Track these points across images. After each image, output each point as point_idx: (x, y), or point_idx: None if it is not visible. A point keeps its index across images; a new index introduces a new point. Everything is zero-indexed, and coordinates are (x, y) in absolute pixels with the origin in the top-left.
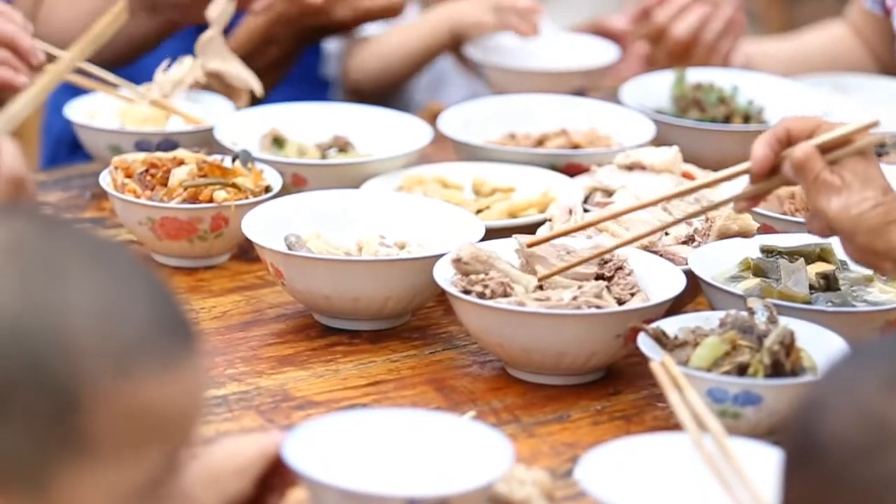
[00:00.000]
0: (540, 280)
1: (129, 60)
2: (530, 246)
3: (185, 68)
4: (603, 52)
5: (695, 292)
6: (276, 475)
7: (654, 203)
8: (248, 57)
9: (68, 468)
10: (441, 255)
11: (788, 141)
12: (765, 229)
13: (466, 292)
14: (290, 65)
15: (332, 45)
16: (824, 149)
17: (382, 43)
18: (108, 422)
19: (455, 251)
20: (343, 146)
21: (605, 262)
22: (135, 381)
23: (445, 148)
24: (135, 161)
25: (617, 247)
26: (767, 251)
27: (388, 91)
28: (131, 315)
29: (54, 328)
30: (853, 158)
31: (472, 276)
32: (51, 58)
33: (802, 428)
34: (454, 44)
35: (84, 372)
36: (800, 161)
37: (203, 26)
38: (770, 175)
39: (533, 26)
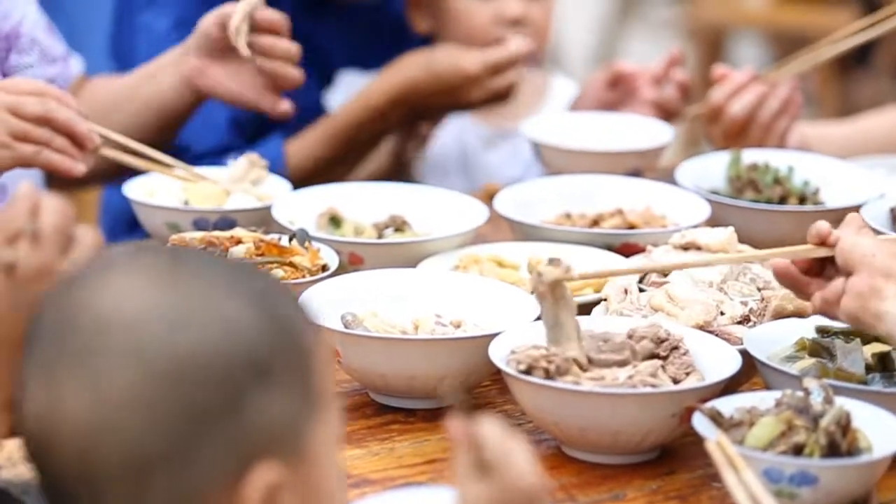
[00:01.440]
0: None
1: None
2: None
3: (243, 165)
4: (658, 133)
5: (750, 372)
6: None
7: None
8: (360, 130)
9: (312, 424)
10: (496, 335)
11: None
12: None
13: (530, 369)
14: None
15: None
16: None
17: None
18: (325, 377)
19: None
20: (399, 225)
21: (661, 342)
22: (322, 344)
23: (501, 228)
24: (193, 239)
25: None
26: (823, 331)
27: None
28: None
29: (295, 307)
30: None
31: (535, 353)
32: (106, 140)
33: None
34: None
35: (312, 340)
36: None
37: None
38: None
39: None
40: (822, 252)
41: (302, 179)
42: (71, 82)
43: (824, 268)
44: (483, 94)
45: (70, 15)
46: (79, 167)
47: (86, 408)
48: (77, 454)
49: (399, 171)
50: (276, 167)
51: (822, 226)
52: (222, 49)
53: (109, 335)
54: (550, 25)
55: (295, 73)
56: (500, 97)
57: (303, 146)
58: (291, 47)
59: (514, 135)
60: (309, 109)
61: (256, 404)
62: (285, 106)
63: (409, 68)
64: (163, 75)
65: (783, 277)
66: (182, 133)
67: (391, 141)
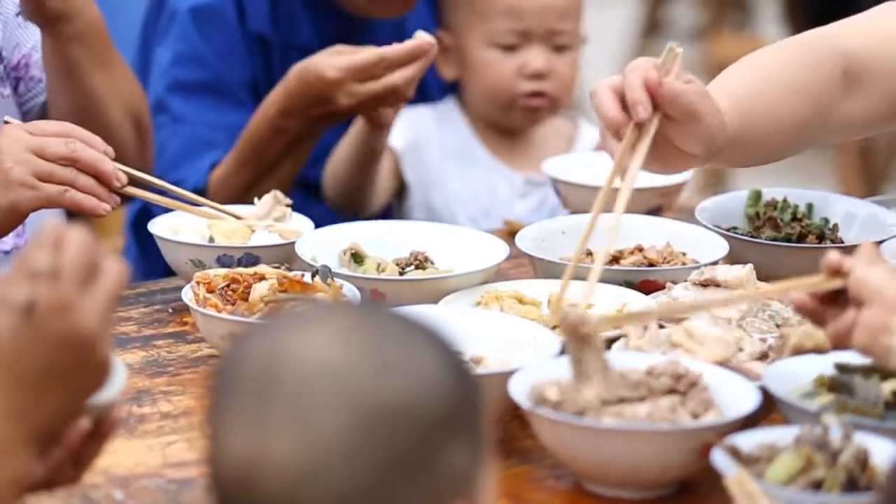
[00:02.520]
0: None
1: None
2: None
3: (268, 202)
4: None
5: (769, 408)
6: None
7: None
8: (261, 147)
9: (483, 471)
10: (516, 371)
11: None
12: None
13: (549, 405)
14: (306, 153)
15: None
16: None
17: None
18: (488, 428)
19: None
20: (421, 262)
21: (680, 378)
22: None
23: (522, 264)
24: (216, 276)
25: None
26: (842, 368)
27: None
28: None
29: (465, 359)
30: None
31: (555, 389)
32: (132, 180)
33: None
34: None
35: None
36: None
37: None
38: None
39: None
40: (836, 284)
41: (227, 201)
42: None
43: (839, 296)
44: (352, 101)
45: None
46: (104, 206)
47: (295, 453)
48: (283, 498)
49: (370, 159)
50: (199, 190)
51: (834, 257)
52: None
53: (318, 384)
54: (575, 77)
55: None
56: (381, 101)
57: (221, 170)
58: None
59: (544, 184)
60: (326, 146)
61: (449, 453)
62: None
63: (288, 78)
64: None
65: (801, 311)
66: (177, 168)
67: (356, 129)
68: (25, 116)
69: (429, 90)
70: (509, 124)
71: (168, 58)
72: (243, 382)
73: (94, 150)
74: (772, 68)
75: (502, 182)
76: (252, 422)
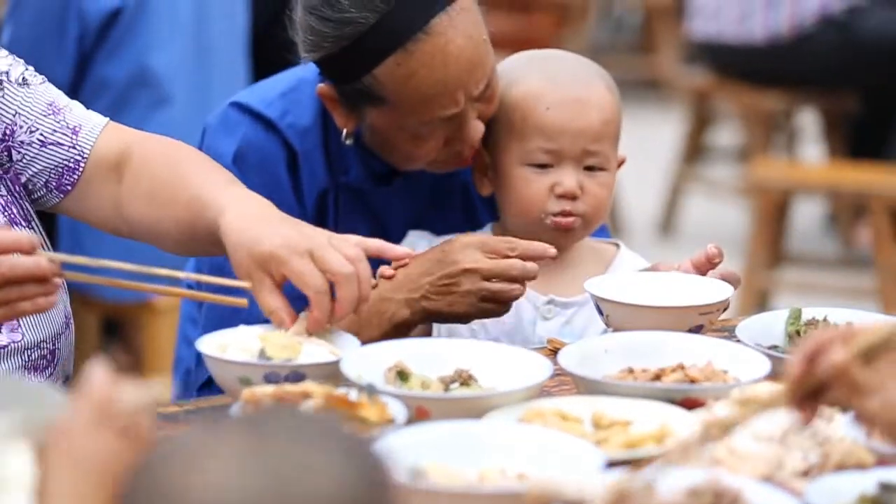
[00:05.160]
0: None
1: None
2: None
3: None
4: (718, 290)
5: None
6: None
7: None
8: None
9: None
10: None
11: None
12: (881, 462)
13: None
14: None
15: None
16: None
17: None
18: None
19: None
20: (465, 380)
21: (722, 495)
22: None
23: (565, 382)
24: (264, 393)
25: None
26: (886, 486)
27: None
28: None
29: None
30: (888, 355)
31: None
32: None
33: None
34: None
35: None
36: (836, 365)
37: None
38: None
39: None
40: None
41: None
42: (93, 148)
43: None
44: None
45: None
46: (51, 300)
47: None
48: None
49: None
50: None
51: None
52: None
53: None
54: (609, 198)
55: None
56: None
57: None
58: None
59: (567, 305)
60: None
61: None
62: None
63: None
64: (224, 230)
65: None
66: None
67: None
68: (27, 186)
69: (480, 216)
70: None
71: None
72: None
73: (25, 256)
74: None
75: (525, 303)
76: None
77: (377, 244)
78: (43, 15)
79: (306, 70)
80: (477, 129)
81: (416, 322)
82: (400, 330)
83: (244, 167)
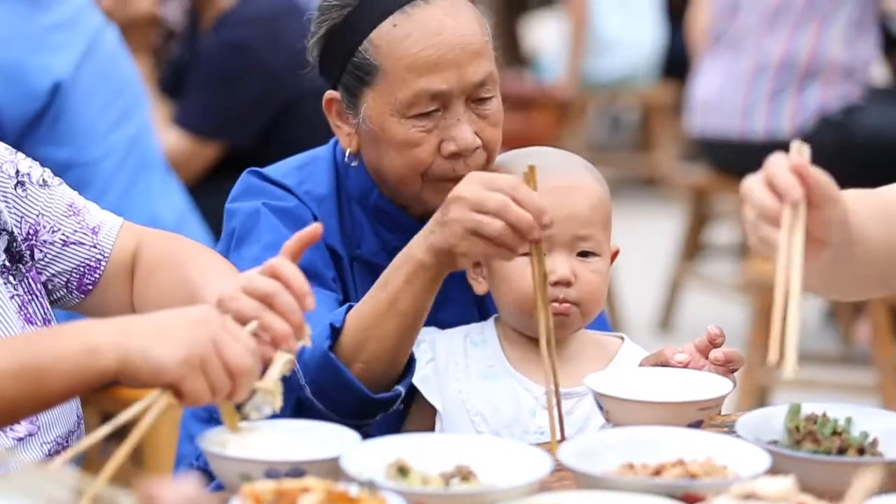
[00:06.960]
0: None
1: None
2: None
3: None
4: (718, 385)
5: None
6: None
7: None
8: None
9: None
10: None
11: None
12: None
13: None
14: None
15: None
16: None
17: None
18: None
19: None
20: (465, 475)
21: None
22: None
23: (566, 477)
24: (264, 489)
25: None
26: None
27: None
28: None
29: None
30: None
31: None
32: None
33: None
34: None
35: None
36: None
37: None
38: None
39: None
40: None
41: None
42: (112, 251)
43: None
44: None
45: None
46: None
47: None
48: None
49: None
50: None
51: None
52: None
53: None
54: (604, 286)
55: None
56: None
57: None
58: None
59: (568, 396)
60: None
61: None
62: None
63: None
64: None
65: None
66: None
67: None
68: (46, 285)
69: (488, 306)
70: (536, 334)
71: (258, 249)
72: None
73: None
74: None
75: (524, 394)
76: None
77: (280, 265)
78: None
79: (319, 149)
80: (470, 135)
81: (432, 265)
82: (419, 275)
83: (275, 213)
